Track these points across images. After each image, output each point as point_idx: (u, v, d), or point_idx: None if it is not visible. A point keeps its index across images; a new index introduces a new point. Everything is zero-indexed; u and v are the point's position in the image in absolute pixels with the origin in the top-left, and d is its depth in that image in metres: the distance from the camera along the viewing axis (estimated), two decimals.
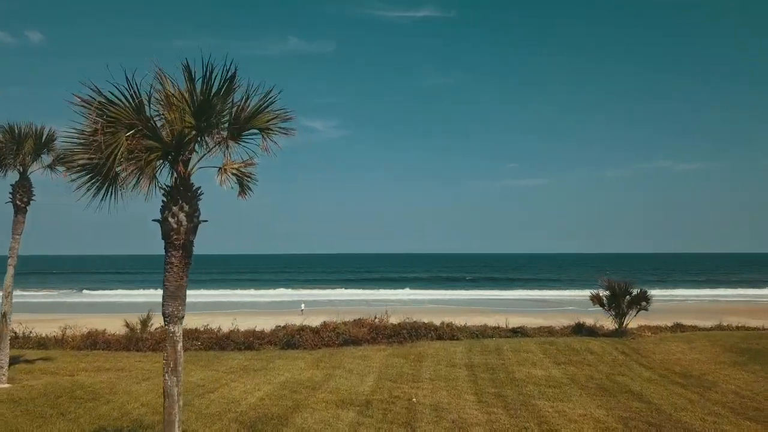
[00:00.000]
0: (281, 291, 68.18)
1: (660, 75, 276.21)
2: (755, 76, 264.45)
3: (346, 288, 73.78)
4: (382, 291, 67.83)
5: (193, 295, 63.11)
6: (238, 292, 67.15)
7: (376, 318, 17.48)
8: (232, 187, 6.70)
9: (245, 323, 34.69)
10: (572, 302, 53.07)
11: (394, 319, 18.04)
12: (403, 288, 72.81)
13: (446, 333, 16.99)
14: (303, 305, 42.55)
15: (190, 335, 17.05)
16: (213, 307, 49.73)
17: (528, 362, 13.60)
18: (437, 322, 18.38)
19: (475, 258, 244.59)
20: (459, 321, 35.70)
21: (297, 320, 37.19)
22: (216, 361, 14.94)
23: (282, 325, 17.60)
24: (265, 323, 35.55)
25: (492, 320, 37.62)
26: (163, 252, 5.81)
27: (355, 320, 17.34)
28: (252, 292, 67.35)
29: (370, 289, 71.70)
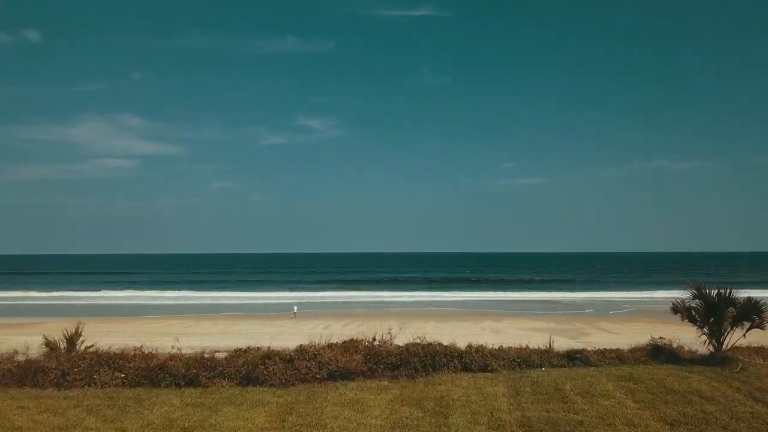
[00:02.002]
0: (273, 293, 63.42)
1: (659, 74, 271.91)
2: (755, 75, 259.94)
3: (342, 290, 69.03)
4: (380, 293, 63.15)
5: (178, 297, 58.70)
6: (228, 294, 62.70)
7: (375, 339, 12.36)
8: None
9: (230, 329, 29.70)
10: (589, 305, 48.51)
11: (400, 340, 12.94)
12: (402, 289, 67.87)
13: (475, 361, 11.90)
14: (296, 308, 38.99)
15: (113, 363, 11.95)
16: (200, 309, 45.04)
17: (618, 419, 8.49)
18: (459, 342, 13.24)
19: (475, 257, 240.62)
20: (468, 326, 30.35)
21: (288, 324, 32.61)
22: (135, 407, 9.85)
23: (243, 348, 12.47)
24: (250, 328, 30.72)
25: (504, 324, 32.75)
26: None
27: (345, 342, 12.23)
28: (242, 294, 62.63)
29: (368, 290, 66.94)
